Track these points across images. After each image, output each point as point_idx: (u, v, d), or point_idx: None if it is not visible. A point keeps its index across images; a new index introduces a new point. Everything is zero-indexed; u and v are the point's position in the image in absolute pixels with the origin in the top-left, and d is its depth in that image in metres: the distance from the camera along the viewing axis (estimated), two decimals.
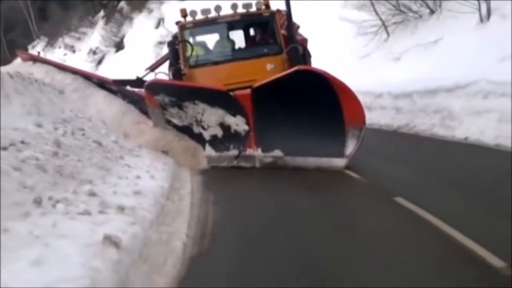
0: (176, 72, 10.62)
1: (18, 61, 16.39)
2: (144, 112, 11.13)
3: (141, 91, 10.91)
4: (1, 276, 3.17)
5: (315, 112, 8.35)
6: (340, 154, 8.48)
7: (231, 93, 9.29)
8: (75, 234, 4.09)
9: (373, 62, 18.25)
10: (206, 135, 9.74)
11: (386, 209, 6.01)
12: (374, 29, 19.17)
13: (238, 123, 9.40)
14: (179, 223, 5.61)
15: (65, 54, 46.34)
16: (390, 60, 17.53)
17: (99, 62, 41.20)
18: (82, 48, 45.60)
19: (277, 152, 9.12)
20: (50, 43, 50.13)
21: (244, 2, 10.71)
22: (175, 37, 11.20)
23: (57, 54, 45.77)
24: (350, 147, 8.45)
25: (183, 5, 37.34)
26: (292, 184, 7.89)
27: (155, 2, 39.03)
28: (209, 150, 9.68)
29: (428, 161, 8.67)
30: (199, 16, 10.73)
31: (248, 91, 9.24)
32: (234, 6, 10.65)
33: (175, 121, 10.00)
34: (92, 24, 46.51)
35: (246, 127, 9.34)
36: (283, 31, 10.85)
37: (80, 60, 41.00)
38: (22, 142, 5.60)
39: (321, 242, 5.05)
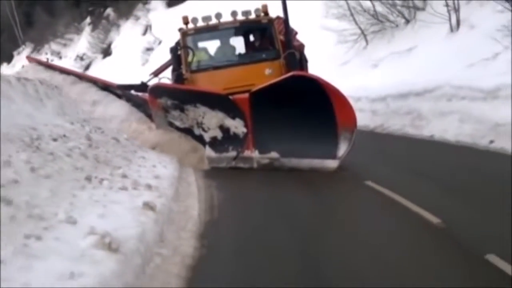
0: (178, 76, 11.14)
1: (27, 65, 17.18)
2: (148, 115, 11.79)
3: (145, 95, 11.59)
4: (83, 222, 4.60)
5: (309, 116, 8.85)
6: (333, 156, 8.98)
7: (230, 97, 9.84)
8: (121, 201, 5.55)
9: (353, 68, 19.81)
10: (206, 137, 10.21)
11: (358, 190, 7.54)
12: (354, 38, 20.75)
13: (237, 126, 9.88)
14: (191, 200, 7.08)
15: (51, 60, 47.32)
16: (368, 67, 19.13)
17: (87, 68, 42.37)
18: (69, 55, 46.72)
19: (274, 154, 9.58)
20: (37, 49, 51.16)
21: (244, 9, 11.22)
22: (177, 43, 11.59)
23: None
24: (342, 149, 8.96)
25: (169, 12, 38.95)
26: (280, 172, 9.33)
27: (142, 9, 40.36)
28: (209, 151, 10.12)
29: (397, 155, 10.24)
30: (200, 23, 11.20)
31: (246, 95, 9.76)
32: (234, 13, 11.13)
33: (177, 123, 10.49)
34: (79, 31, 47.69)
35: (245, 130, 9.83)
36: (281, 37, 11.30)
37: (67, 66, 42.14)
38: (64, 136, 7.03)
39: (303, 206, 6.61)
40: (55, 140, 6.50)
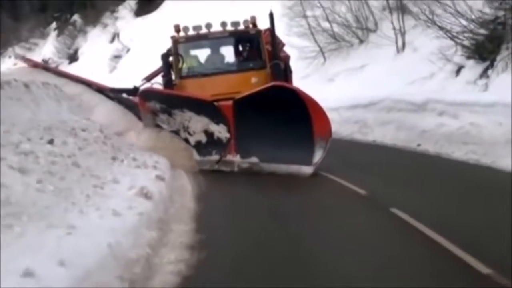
0: (167, 82, 11.89)
1: (22, 66, 18.07)
2: (138, 117, 12.63)
3: (135, 98, 12.43)
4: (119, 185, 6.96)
5: (288, 124, 9.55)
6: (308, 162, 9.77)
7: (215, 104, 10.55)
8: (140, 174, 7.92)
9: (312, 82, 22.44)
10: (192, 140, 10.87)
11: (315, 177, 10.01)
12: (313, 54, 23.49)
13: (220, 131, 10.58)
14: (184, 180, 9.46)
15: (15, 64, 48.61)
16: (326, 81, 21.90)
17: None
18: (34, 59, 48.13)
19: (254, 159, 10.29)
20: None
21: (233, 20, 12.01)
22: (168, 50, 12.22)
23: (7, 64, 48.10)
24: (317, 156, 9.75)
25: (137, 22, 41.12)
26: None
27: (110, 17, 42.37)
28: (193, 154, 10.84)
29: (344, 154, 12.80)
30: (191, 32, 11.93)
31: (230, 102, 10.48)
32: (224, 24, 11.92)
33: (164, 126, 11.16)
34: (44, 36, 49.26)
35: (228, 135, 10.52)
36: (268, 48, 12.00)
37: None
38: (85, 129, 9.34)
39: (273, 190, 9.09)
40: (83, 130, 8.82)
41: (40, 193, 5.15)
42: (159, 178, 7.94)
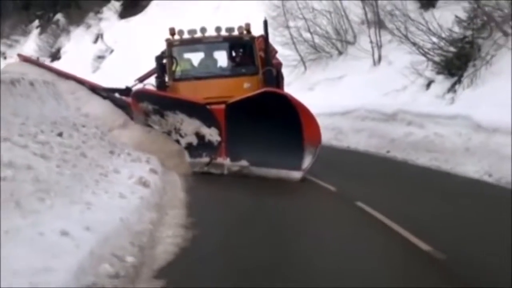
0: (161, 83, 12.12)
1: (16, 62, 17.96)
2: (130, 116, 12.69)
3: (128, 98, 12.58)
4: (123, 172, 8.02)
5: (279, 129, 9.82)
6: (298, 168, 10.10)
7: (208, 107, 10.84)
8: (136, 167, 8.96)
9: (293, 90, 23.17)
10: (183, 142, 11.12)
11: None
12: (294, 63, 24.68)
13: (211, 134, 10.90)
14: (175, 176, 10.48)
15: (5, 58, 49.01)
16: (306, 89, 23.06)
17: None
18: (14, 55, 48.64)
19: (244, 162, 10.60)
20: None
21: (227, 26, 12.28)
22: (163, 52, 12.40)
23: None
24: (307, 162, 10.10)
25: (121, 24, 42.01)
26: None
27: (94, 18, 43.18)
28: (186, 156, 11.12)
29: (321, 159, 13.99)
30: (186, 36, 12.19)
31: (222, 106, 10.77)
32: (218, 29, 12.17)
33: (156, 127, 11.41)
34: (26, 33, 49.81)
35: (219, 138, 10.85)
36: (261, 54, 12.25)
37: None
38: (84, 125, 10.34)
39: (254, 185, 10.19)
40: (83, 126, 9.83)
41: (60, 176, 6.18)
42: (153, 171, 9.01)
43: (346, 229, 6.91)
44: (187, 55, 12.82)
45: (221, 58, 13.00)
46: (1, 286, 3.51)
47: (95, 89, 14.55)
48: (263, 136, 10.06)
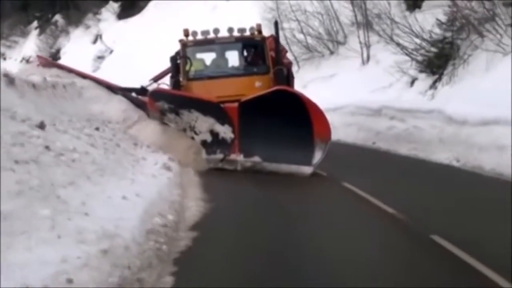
0: (175, 83, 12.72)
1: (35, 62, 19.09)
2: (147, 114, 13.52)
3: (144, 97, 13.38)
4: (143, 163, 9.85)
5: (290, 126, 10.27)
6: (308, 163, 10.62)
7: (221, 105, 11.38)
8: (157, 156, 10.78)
9: None
10: (197, 139, 11.67)
11: None
12: None
13: (225, 131, 11.41)
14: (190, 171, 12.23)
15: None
16: (300, 87, 24.50)
17: None
18: (14, 56, 50.25)
19: (256, 158, 11.13)
20: None
21: (240, 27, 12.97)
22: (177, 52, 13.00)
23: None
24: (317, 157, 10.58)
25: (120, 24, 43.66)
26: None
27: (93, 19, 44.73)
28: (202, 152, 11.66)
29: None
30: (199, 37, 12.80)
31: (236, 104, 11.30)
32: (231, 30, 12.78)
33: (172, 125, 11.99)
34: (25, 34, 51.35)
35: (232, 135, 11.40)
36: (272, 54, 12.82)
37: (13, 68, 45.82)
38: (110, 121, 12.13)
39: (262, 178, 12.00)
40: (109, 122, 11.67)
41: (107, 160, 8.01)
42: (171, 159, 10.84)
43: (334, 202, 8.83)
44: (199, 56, 13.42)
45: (232, 58, 13.63)
46: (97, 223, 5.31)
47: (112, 89, 15.23)
48: (275, 133, 10.60)
